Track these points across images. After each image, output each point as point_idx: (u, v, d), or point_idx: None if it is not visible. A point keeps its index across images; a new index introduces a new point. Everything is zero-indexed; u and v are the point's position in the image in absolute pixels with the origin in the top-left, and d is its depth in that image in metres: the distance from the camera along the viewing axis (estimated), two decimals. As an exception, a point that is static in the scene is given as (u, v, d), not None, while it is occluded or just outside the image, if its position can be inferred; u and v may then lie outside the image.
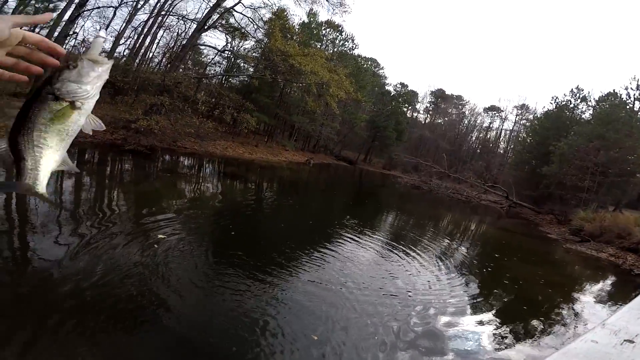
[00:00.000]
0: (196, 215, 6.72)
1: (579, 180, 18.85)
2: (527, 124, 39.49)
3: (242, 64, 22.90)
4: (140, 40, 19.30)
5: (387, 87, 44.29)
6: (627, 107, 21.80)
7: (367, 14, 71.81)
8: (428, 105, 51.79)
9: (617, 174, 18.86)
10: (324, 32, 29.75)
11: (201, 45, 21.23)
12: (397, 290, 4.90)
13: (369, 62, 40.43)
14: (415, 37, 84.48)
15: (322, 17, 28.02)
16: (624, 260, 9.97)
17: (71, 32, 16.50)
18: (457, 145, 46.42)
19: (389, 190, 24.04)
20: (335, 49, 30.74)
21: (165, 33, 21.54)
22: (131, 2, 18.37)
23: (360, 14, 70.47)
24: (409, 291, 4.95)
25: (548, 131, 25.77)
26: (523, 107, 45.79)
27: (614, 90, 23.13)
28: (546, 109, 29.96)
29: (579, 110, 26.85)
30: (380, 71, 43.00)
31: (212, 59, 23.42)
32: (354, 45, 32.28)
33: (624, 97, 22.39)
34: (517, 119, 46.38)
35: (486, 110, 49.53)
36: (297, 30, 22.34)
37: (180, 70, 17.75)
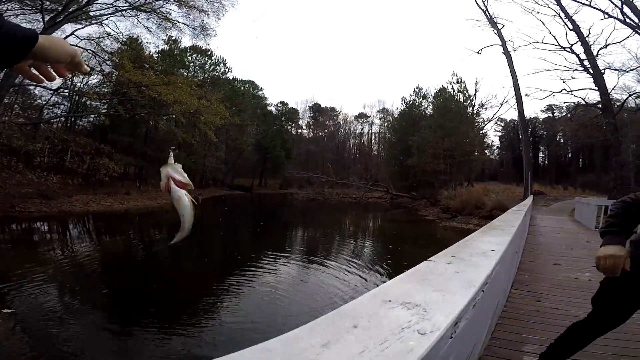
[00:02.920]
0: (72, 280, 5.62)
1: (435, 166, 22.70)
2: (388, 124, 45.53)
3: (89, 102, 19.40)
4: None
5: (268, 108, 44.75)
6: (455, 98, 27.36)
7: (237, 37, 72.27)
8: (309, 120, 54.93)
9: (461, 155, 23.47)
10: (190, 58, 28.14)
11: (29, 85, 17.12)
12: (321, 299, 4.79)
13: (247, 85, 40.13)
14: (285, 54, 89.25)
15: (186, 42, 26.36)
16: (486, 226, 12.16)
17: None
18: (339, 154, 50.42)
19: (288, 208, 24.11)
20: (206, 75, 29.36)
21: None
22: None
23: (229, 37, 70.20)
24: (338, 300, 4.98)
25: (404, 128, 30.20)
26: (384, 110, 53.30)
27: (443, 86, 28.74)
28: (399, 109, 35.26)
29: (423, 107, 32.41)
30: (260, 92, 43.17)
31: (48, 100, 19.18)
32: (227, 69, 31.20)
33: (450, 90, 28.11)
34: (381, 122, 53.61)
35: (357, 117, 55.71)
36: (156, 59, 20.44)
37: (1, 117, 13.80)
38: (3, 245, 8.35)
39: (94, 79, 19.08)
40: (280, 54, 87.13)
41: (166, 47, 22.75)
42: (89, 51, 15.64)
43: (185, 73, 25.27)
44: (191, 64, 28.44)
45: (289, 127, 49.15)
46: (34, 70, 0.64)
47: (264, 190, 40.01)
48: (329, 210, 21.26)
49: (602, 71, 15.74)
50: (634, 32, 14.75)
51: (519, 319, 2.19)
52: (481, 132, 27.30)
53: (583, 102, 17.48)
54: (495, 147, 44.99)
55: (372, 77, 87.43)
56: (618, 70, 15.68)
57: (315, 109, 53.83)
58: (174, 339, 3.81)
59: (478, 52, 20.57)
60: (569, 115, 22.85)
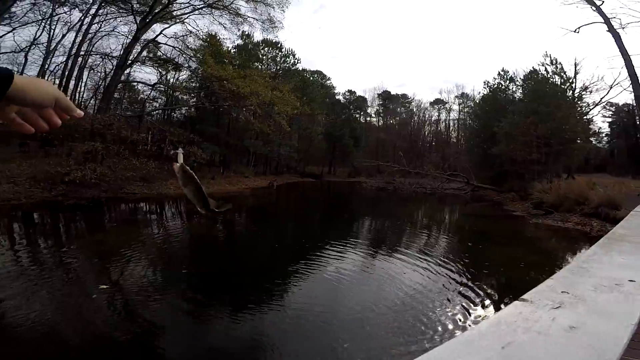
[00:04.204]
0: (157, 259, 6.24)
1: (527, 155, 19.84)
2: (469, 110, 41.58)
3: (180, 96, 21.91)
4: (63, 85, 17.70)
5: (336, 97, 45.16)
6: (550, 81, 23.58)
7: (301, 29, 73.52)
8: (378, 107, 53.34)
9: (559, 143, 20.12)
10: (262, 51, 29.55)
11: (132, 82, 20.07)
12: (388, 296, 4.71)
13: (315, 75, 41.00)
14: (353, 42, 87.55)
15: (257, 36, 27.83)
16: (590, 227, 10.17)
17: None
18: (412, 142, 48.02)
19: (357, 197, 23.90)
20: (277, 67, 30.63)
21: (91, 74, 20.07)
22: (42, 44, 16.87)
23: (294, 29, 71.87)
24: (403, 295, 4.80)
25: (488, 114, 27.14)
26: (463, 96, 48.74)
27: (533, 68, 24.94)
28: (482, 94, 31.76)
29: (510, 91, 28.67)
30: (328, 82, 43.69)
31: (148, 95, 22.21)
32: (296, 60, 32.30)
33: (543, 73, 24.25)
34: (460, 108, 49.14)
35: (432, 104, 52.07)
36: (233, 53, 21.99)
37: (112, 111, 16.52)
38: (110, 225, 9.78)
39: (184, 75, 21.45)
40: (345, 42, 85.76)
41: (241, 42, 24.30)
42: (177, 49, 17.60)
43: (259, 66, 26.76)
44: (264, 57, 29.88)
45: (358, 116, 48.63)
46: (18, 119, 0.57)
47: (332, 178, 40.52)
48: (399, 201, 20.43)
49: None
50: None
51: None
52: (585, 117, 23.02)
53: None
54: (603, 135, 37.72)
55: (447, 61, 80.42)
56: None
57: (385, 96, 52.03)
58: (242, 321, 3.98)
59: (575, 31, 17.36)
60: None
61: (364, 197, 23.06)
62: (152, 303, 4.32)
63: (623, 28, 16.19)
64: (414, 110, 52.66)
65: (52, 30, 17.34)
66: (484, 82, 30.05)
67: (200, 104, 18.02)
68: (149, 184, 14.44)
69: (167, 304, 4.36)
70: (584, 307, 0.61)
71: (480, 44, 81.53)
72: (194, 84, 20.36)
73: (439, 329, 3.96)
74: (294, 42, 68.22)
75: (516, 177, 21.22)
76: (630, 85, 15.96)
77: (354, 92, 48.04)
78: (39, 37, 17.09)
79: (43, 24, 16.64)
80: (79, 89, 19.25)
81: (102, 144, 11.96)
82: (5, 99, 0.51)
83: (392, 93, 52.20)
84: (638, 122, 35.67)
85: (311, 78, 38.16)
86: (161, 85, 19.93)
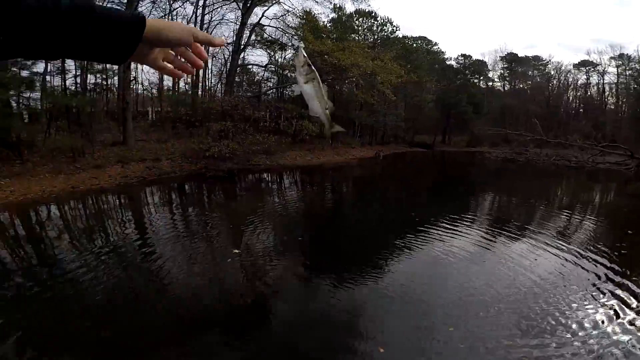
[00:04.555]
0: (278, 226, 7.09)
1: None
2: (634, 73, 33.81)
3: (289, 74, 23.32)
4: (193, 74, 21.11)
5: (447, 62, 41.31)
6: None
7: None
8: (502, 72, 45.28)
9: None
10: (357, 22, 28.46)
11: (247, 65, 22.36)
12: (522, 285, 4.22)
13: (419, 41, 38.28)
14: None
15: (349, 8, 26.98)
16: None
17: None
18: (551, 109, 39.43)
19: (477, 169, 21.53)
20: (375, 36, 29.18)
21: (214, 61, 23.14)
22: None
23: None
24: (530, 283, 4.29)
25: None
26: (623, 57, 36.99)
27: None
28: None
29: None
30: (435, 48, 40.37)
31: (262, 75, 24.40)
32: (395, 28, 30.07)
33: None
34: (619, 71, 37.67)
35: (577, 66, 41.07)
36: (329, 28, 21.93)
37: (236, 92, 18.90)
38: (241, 193, 11.46)
39: (289, 54, 22.62)
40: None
41: (334, 15, 23.83)
42: (279, 29, 18.51)
43: (356, 37, 25.94)
44: (359, 28, 28.71)
45: (476, 81, 42.79)
46: (166, 65, 0.61)
47: (446, 147, 37.30)
48: (533, 175, 17.39)
49: None
50: None
51: None
52: None
53: None
54: None
55: (596, 15, 59.82)
56: None
57: (510, 59, 44.00)
58: (344, 291, 4.16)
59: None
60: None
61: (487, 170, 20.47)
62: (271, 268, 4.91)
63: None
64: (552, 73, 42.72)
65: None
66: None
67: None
68: (270, 156, 16.40)
69: (284, 269, 4.88)
70: None
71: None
72: (298, 62, 21.47)
73: (574, 327, 3.33)
74: (391, 8, 62.26)
75: None
76: None
77: (470, 56, 42.76)
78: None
79: (165, 19, 19.65)
80: (207, 75, 22.57)
81: (231, 122, 13.91)
82: (145, 42, 0.53)
83: (519, 55, 43.56)
84: None
85: (414, 45, 35.73)
86: (272, 66, 21.65)
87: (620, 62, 38.07)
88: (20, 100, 12.32)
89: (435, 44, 40.73)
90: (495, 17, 73.41)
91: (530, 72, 44.43)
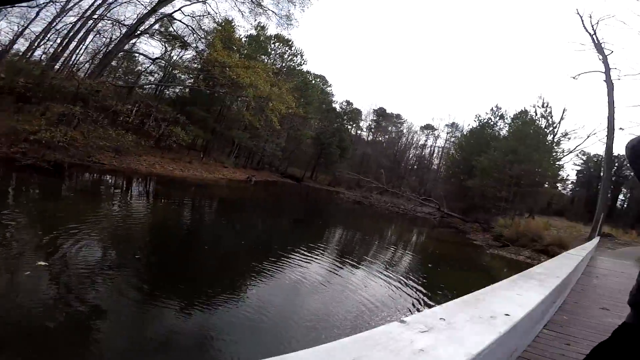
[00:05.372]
0: (111, 240, 6.01)
1: (497, 191, 20.91)
2: (456, 141, 42.77)
3: (179, 75, 21.60)
4: (63, 45, 16.98)
5: (333, 105, 45.25)
6: (535, 123, 24.74)
7: (315, 32, 73.63)
8: (370, 123, 54.16)
9: (528, 185, 21.33)
10: (272, 45, 29.47)
11: (135, 52, 19.63)
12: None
13: (318, 79, 40.96)
14: (360, 56, 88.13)
15: (271, 30, 27.86)
16: (538, 261, 11.01)
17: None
18: (396, 162, 48.97)
19: (333, 207, 24.23)
20: (283, 64, 30.65)
21: (96, 38, 19.39)
22: (60, 2, 16.17)
23: (308, 31, 72.02)
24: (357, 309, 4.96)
25: (472, 147, 28.21)
26: (453, 126, 50.31)
27: (524, 109, 26.02)
28: (471, 127, 33.02)
29: (498, 128, 29.96)
30: (328, 88, 43.84)
31: (147, 68, 21.72)
32: (303, 61, 32.30)
33: (532, 114, 25.43)
34: (447, 137, 50.76)
35: (422, 128, 53.39)
36: (244, 42, 21.99)
37: (105, 78, 16.05)
38: (67, 194, 9.30)
39: (189, 54, 21.22)
40: (352, 54, 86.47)
41: (254, 32, 24.30)
42: (189, 27, 17.44)
43: (266, 59, 26.72)
44: (272, 52, 29.82)
45: (349, 127, 49.07)
46: None
47: (313, 183, 40.62)
48: (372, 216, 20.94)
49: None
50: None
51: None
52: (557, 163, 24.50)
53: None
54: (569, 182, 39.90)
55: (445, 89, 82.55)
56: None
57: (380, 113, 52.86)
58: (191, 315, 3.85)
59: (574, 78, 18.47)
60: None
61: (340, 208, 23.43)
62: (96, 286, 3.99)
63: (619, 79, 16.86)
64: (404, 131, 53.86)
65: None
66: (476, 116, 31.26)
67: (196, 86, 17.88)
68: (121, 157, 13.97)
69: (113, 289, 4.05)
70: (446, 334, 0.75)
71: (480, 76, 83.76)
72: (195, 65, 20.13)
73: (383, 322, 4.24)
74: (303, 42, 68.05)
75: (483, 211, 22.23)
76: (605, 137, 16.83)
77: (351, 103, 48.70)
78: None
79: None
80: (78, 50, 18.45)
81: (82, 108, 11.66)
82: None
83: (387, 111, 53.27)
84: (602, 174, 37.82)
85: (313, 81, 38.23)
86: (162, 61, 19.60)
87: (450, 129, 50.44)
88: None
89: (330, 85, 44.26)
90: (378, 74, 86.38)
91: (390, 128, 54.18)
